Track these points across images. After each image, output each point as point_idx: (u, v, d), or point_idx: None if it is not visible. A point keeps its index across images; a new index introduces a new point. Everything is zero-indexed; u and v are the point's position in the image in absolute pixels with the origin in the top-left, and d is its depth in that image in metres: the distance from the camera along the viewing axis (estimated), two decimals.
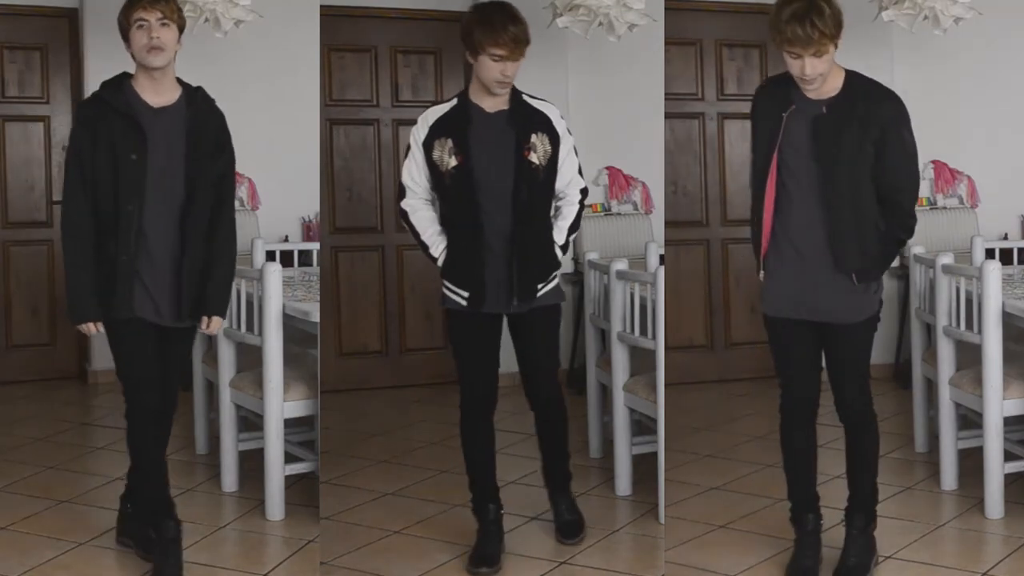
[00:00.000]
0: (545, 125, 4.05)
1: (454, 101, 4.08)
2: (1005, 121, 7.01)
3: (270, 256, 5.72)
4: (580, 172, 4.17)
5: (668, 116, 6.69)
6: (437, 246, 4.16)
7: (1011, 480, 4.61)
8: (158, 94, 3.86)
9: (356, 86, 6.92)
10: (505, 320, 4.17)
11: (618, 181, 6.93)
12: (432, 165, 4.05)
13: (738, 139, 7.02)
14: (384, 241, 7.00)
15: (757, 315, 7.10)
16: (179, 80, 3.93)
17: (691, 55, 6.98)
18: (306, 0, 6.17)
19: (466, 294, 4.09)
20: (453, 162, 4.01)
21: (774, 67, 6.99)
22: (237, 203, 6.77)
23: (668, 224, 6.66)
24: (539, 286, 4.08)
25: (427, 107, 4.20)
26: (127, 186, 3.78)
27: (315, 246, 6.21)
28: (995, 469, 4.47)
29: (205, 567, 4.10)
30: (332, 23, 6.54)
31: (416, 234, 4.19)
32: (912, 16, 6.09)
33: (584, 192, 4.18)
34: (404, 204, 4.16)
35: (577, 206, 4.16)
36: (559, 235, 4.11)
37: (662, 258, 5.54)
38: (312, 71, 6.44)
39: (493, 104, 4.04)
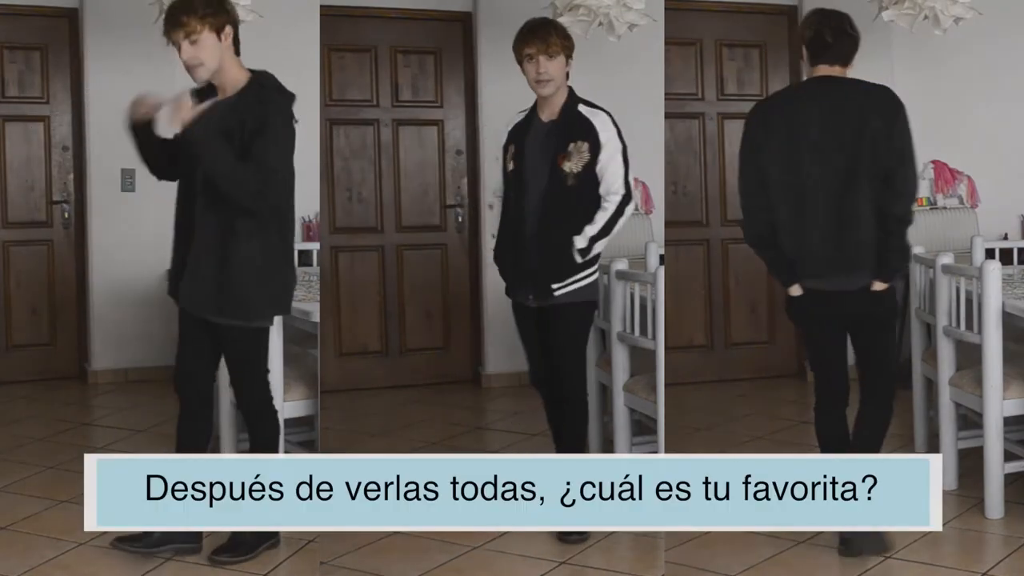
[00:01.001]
0: (588, 133, 4.28)
1: (527, 110, 4.46)
2: (1005, 121, 7.01)
3: None
4: (626, 180, 4.32)
5: (668, 116, 6.70)
6: (493, 240, 4.61)
7: (1011, 480, 4.61)
8: (223, 92, 3.99)
9: (356, 86, 6.92)
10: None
11: None
12: (504, 167, 4.47)
13: (738, 139, 6.99)
14: (384, 241, 7.00)
15: (757, 315, 7.18)
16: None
17: (691, 55, 6.98)
18: (306, 0, 6.18)
19: (505, 284, 4.49)
20: (511, 166, 4.41)
21: (774, 67, 7.01)
22: None
23: (668, 224, 6.67)
24: (555, 286, 4.28)
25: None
26: None
27: (315, 246, 6.21)
28: (995, 469, 4.47)
29: (205, 567, 4.11)
30: (332, 23, 6.54)
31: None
32: (912, 16, 6.09)
33: (624, 199, 4.31)
34: (490, 200, 4.68)
35: (610, 212, 4.30)
36: (580, 239, 4.27)
37: (662, 258, 5.55)
38: (312, 71, 6.44)
39: (549, 114, 4.36)
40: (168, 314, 6.84)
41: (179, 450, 4.16)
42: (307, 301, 4.77)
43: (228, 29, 3.94)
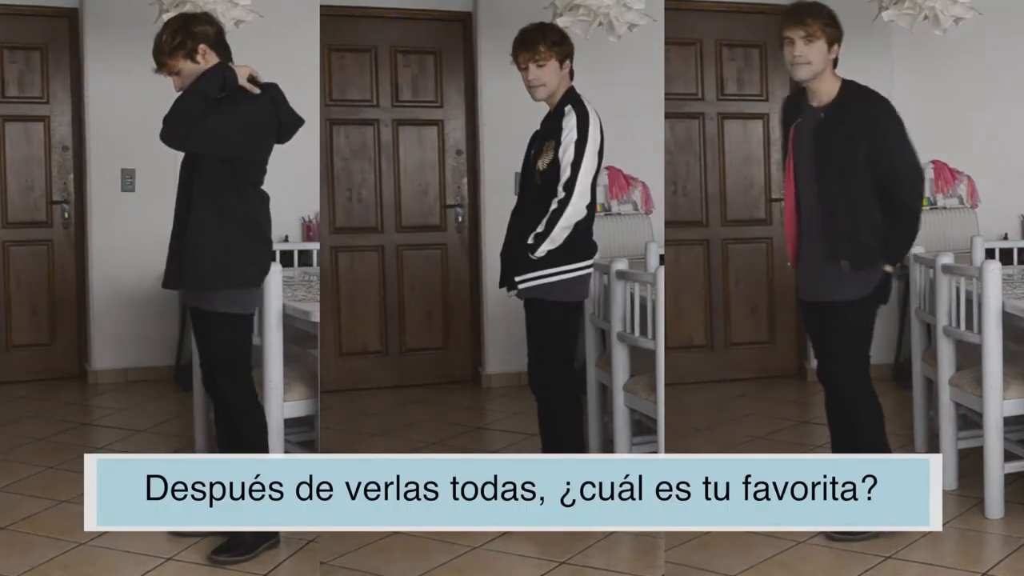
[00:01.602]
0: (557, 132, 4.40)
1: None
2: (1005, 121, 7.01)
3: None
4: (572, 182, 4.31)
5: (668, 116, 6.70)
6: None
7: (1011, 480, 4.61)
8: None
9: (356, 86, 6.92)
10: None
11: (618, 181, 6.92)
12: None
13: (738, 139, 7.02)
14: (384, 241, 7.00)
15: (757, 315, 7.18)
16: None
17: (691, 55, 6.98)
18: (306, 0, 6.17)
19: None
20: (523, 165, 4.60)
21: (774, 67, 7.00)
22: None
23: (668, 224, 6.66)
24: (517, 278, 4.43)
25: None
26: None
27: (315, 246, 6.21)
28: (995, 469, 4.47)
29: (206, 567, 4.11)
30: (332, 23, 6.54)
31: None
32: (912, 16, 6.09)
33: (562, 203, 4.32)
34: None
35: (549, 214, 4.36)
36: (532, 235, 4.38)
37: (662, 258, 5.54)
38: (312, 71, 6.44)
39: (547, 114, 4.52)
40: (168, 314, 6.88)
41: (222, 450, 4.24)
42: (307, 301, 4.77)
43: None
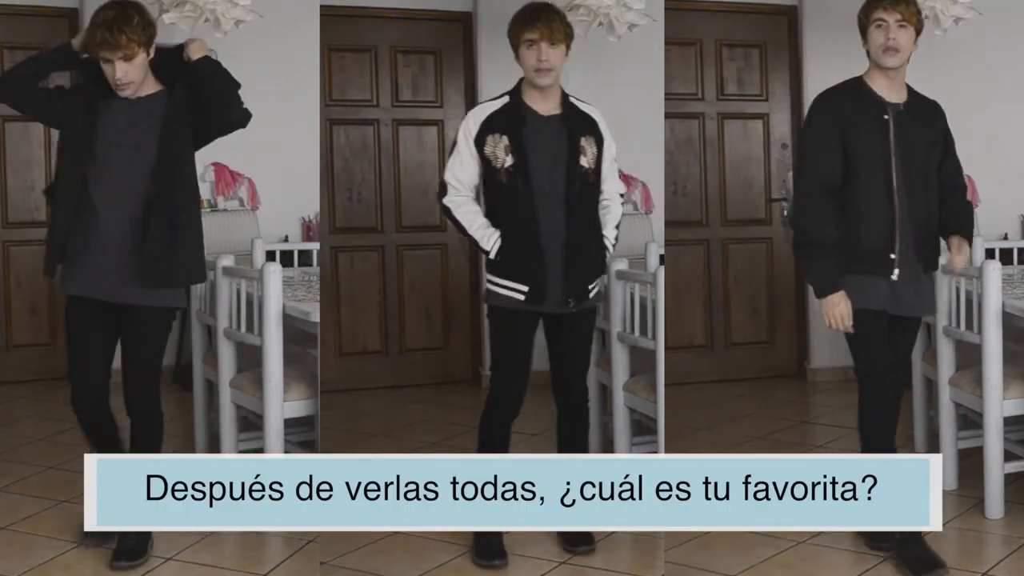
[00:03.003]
0: (592, 128, 4.12)
1: (505, 99, 4.10)
2: (1005, 121, 7.01)
3: (270, 256, 5.72)
4: (618, 175, 4.27)
5: (668, 116, 6.70)
6: (488, 239, 4.08)
7: (1011, 480, 4.61)
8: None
9: (356, 86, 6.92)
10: (542, 320, 4.21)
11: None
12: (485, 160, 4.05)
13: (738, 139, 7.02)
14: (384, 241, 7.01)
15: (757, 315, 7.18)
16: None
17: (691, 55, 6.98)
18: (306, 0, 6.18)
19: (525, 289, 4.07)
20: (509, 160, 4.01)
21: (774, 67, 7.01)
22: (236, 203, 6.86)
23: (668, 224, 6.66)
24: (590, 287, 4.14)
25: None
26: None
27: (315, 246, 6.21)
28: (995, 469, 4.47)
29: (206, 567, 4.11)
30: (332, 23, 6.54)
31: (463, 229, 4.13)
32: None
33: (622, 196, 4.27)
34: (446, 201, 4.13)
35: (620, 209, 4.24)
36: (610, 233, 4.19)
37: (662, 258, 5.54)
38: (312, 71, 6.44)
39: (546, 107, 4.07)
40: None
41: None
42: (307, 301, 4.77)
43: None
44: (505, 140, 4.02)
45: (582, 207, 4.07)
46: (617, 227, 4.23)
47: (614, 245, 4.22)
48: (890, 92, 3.95)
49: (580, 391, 4.35)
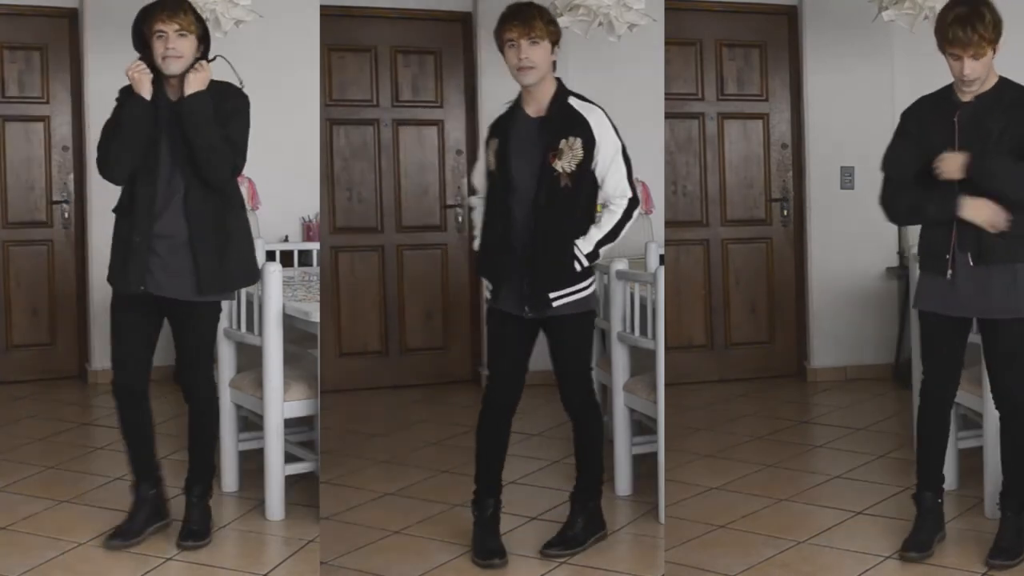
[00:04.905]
0: (581, 129, 4.01)
1: (512, 103, 4.18)
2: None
3: (270, 256, 5.70)
4: (630, 180, 4.12)
5: (668, 116, 6.70)
6: (476, 241, 4.26)
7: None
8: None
9: (356, 86, 6.92)
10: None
11: None
12: (487, 164, 4.19)
13: (738, 139, 7.02)
14: (384, 241, 7.01)
15: (757, 315, 7.18)
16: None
17: (691, 55, 6.98)
18: (306, 0, 6.17)
19: (491, 288, 4.19)
20: (494, 163, 4.12)
21: (774, 67, 7.01)
22: None
23: (668, 224, 6.67)
24: (553, 295, 4.04)
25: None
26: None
27: (315, 246, 6.21)
28: (994, 469, 4.46)
29: (205, 567, 4.11)
30: (332, 23, 6.54)
31: (471, 230, 4.35)
32: (912, 16, 6.08)
33: (632, 202, 4.12)
34: (469, 202, 4.34)
35: (619, 215, 4.09)
36: (585, 243, 4.05)
37: (662, 258, 5.55)
38: (312, 71, 6.44)
39: (536, 109, 4.08)
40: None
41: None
42: (307, 301, 4.77)
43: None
44: (495, 143, 4.13)
45: (549, 212, 4.00)
46: (608, 235, 4.07)
47: (590, 254, 4.05)
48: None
49: (579, 401, 4.23)
